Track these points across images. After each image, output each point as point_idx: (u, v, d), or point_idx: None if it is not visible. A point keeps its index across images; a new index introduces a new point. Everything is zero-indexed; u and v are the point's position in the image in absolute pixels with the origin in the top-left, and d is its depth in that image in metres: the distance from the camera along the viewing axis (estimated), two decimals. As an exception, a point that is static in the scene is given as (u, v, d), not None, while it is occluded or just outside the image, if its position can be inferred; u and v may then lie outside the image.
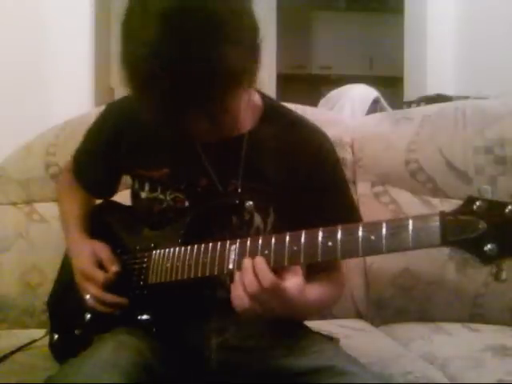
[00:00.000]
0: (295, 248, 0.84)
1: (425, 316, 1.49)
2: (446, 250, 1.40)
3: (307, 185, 1.03)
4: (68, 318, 1.13)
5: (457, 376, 1.15)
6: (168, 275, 0.98)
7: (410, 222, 0.74)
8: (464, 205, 0.72)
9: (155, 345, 0.95)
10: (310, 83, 5.41)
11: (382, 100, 2.74)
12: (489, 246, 0.69)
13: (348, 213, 1.06)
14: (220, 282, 1.02)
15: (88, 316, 1.08)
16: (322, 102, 2.94)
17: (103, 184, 1.19)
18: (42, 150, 1.57)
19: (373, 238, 0.77)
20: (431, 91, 2.71)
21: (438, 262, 1.48)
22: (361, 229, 0.78)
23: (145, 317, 1.00)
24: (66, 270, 1.14)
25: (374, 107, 2.67)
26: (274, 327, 0.96)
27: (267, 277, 0.83)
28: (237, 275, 0.86)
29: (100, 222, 1.17)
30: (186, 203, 1.05)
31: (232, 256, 0.89)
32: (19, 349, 1.20)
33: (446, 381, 1.14)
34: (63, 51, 2.12)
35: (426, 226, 0.73)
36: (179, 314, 1.01)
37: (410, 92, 3.17)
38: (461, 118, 1.59)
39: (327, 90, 3.07)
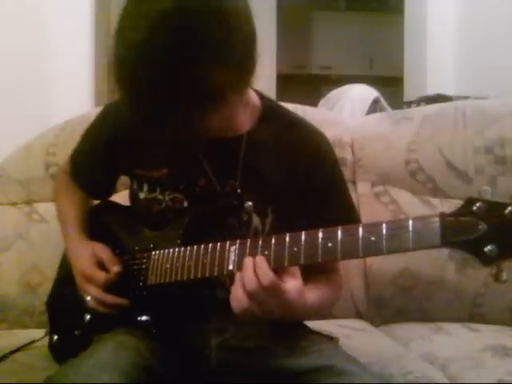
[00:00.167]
0: (295, 249, 0.84)
1: (425, 316, 1.49)
2: (445, 251, 1.40)
3: (305, 186, 1.03)
4: (67, 319, 1.13)
5: (457, 376, 1.15)
6: (167, 276, 0.98)
7: (410, 222, 0.74)
8: (464, 206, 0.72)
9: (155, 345, 0.95)
10: (309, 83, 5.41)
11: (382, 100, 2.74)
12: (489, 247, 0.69)
13: (346, 214, 1.06)
14: (220, 282, 1.02)
15: (88, 317, 1.08)
16: (322, 102, 2.94)
17: (101, 184, 1.19)
18: (42, 150, 1.58)
19: (373, 238, 0.77)
20: (431, 91, 2.71)
21: (437, 262, 1.48)
22: (361, 229, 0.78)
23: (144, 318, 1.00)
24: (65, 270, 1.14)
25: (374, 107, 2.67)
26: (274, 327, 0.96)
27: (267, 276, 0.83)
28: (237, 275, 0.86)
29: (98, 223, 1.17)
30: (185, 203, 1.05)
31: (232, 257, 0.89)
32: (19, 349, 1.20)
33: (445, 381, 1.14)
34: (63, 51, 2.12)
35: (426, 227, 0.73)
36: (179, 314, 1.01)
37: (410, 92, 3.17)
38: (461, 118, 1.59)
39: (327, 90, 3.07)
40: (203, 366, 1.00)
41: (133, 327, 0.98)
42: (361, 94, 2.78)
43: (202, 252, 0.93)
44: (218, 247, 0.92)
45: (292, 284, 0.85)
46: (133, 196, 1.12)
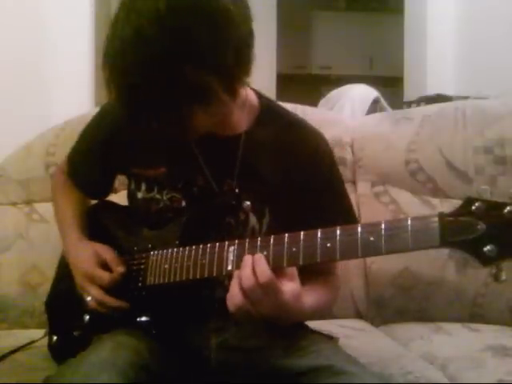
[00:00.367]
0: (294, 249, 0.84)
1: (425, 316, 1.49)
2: (445, 250, 1.40)
3: (303, 186, 1.03)
4: (67, 320, 1.12)
5: (457, 376, 1.15)
6: (166, 277, 0.97)
7: (409, 223, 0.74)
8: (463, 206, 0.72)
9: (154, 345, 0.95)
10: (309, 83, 5.40)
11: (382, 100, 2.74)
12: (488, 247, 0.69)
13: (344, 215, 1.06)
14: (219, 282, 1.02)
15: (87, 317, 1.08)
16: (322, 102, 2.94)
17: (98, 184, 1.19)
18: (42, 149, 1.58)
19: (372, 238, 0.77)
20: (431, 91, 2.71)
21: (437, 262, 1.48)
22: (360, 230, 0.78)
23: (144, 318, 0.99)
24: (64, 271, 1.14)
25: (374, 107, 2.67)
26: (273, 327, 0.96)
27: (265, 273, 0.83)
28: (235, 272, 0.86)
29: (96, 223, 1.17)
30: (183, 203, 1.05)
31: (230, 257, 0.89)
32: (19, 349, 1.20)
33: (445, 381, 1.14)
34: (63, 51, 2.12)
35: (425, 228, 0.73)
36: (178, 314, 1.01)
37: (410, 92, 3.17)
38: (461, 118, 1.59)
39: (327, 90, 3.07)
40: (203, 366, 1.00)
41: (132, 327, 0.98)
42: (361, 93, 2.77)
43: (200, 252, 0.93)
44: (217, 247, 0.92)
45: (289, 286, 0.85)
46: (131, 196, 1.12)
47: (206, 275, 0.92)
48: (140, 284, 1.02)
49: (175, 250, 0.98)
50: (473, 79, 2.74)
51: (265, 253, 0.85)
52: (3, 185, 1.58)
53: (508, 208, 0.68)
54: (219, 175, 1.03)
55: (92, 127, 1.16)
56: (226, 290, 0.88)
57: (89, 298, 1.03)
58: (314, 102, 2.72)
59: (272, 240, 0.86)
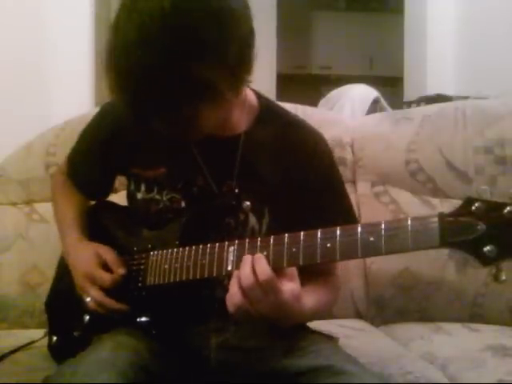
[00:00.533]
0: (294, 249, 0.84)
1: (425, 316, 1.49)
2: (445, 251, 1.39)
3: (302, 185, 1.03)
4: (67, 320, 1.12)
5: (457, 376, 1.15)
6: (166, 277, 0.97)
7: (409, 223, 0.74)
8: (462, 206, 0.72)
9: (154, 345, 0.95)
10: (309, 83, 5.41)
11: (382, 100, 2.74)
12: (488, 248, 0.69)
13: (344, 215, 1.06)
14: (219, 282, 1.02)
15: (87, 317, 1.08)
16: (322, 102, 2.94)
17: (98, 184, 1.19)
18: (42, 149, 1.58)
19: (372, 239, 0.77)
20: (431, 91, 2.71)
21: (437, 262, 1.48)
22: (360, 230, 0.78)
23: (144, 318, 0.99)
24: (63, 271, 1.14)
25: (374, 107, 2.67)
26: (273, 327, 0.96)
27: (265, 271, 0.83)
28: (235, 272, 0.86)
29: (96, 223, 1.16)
30: (183, 203, 1.05)
31: (230, 257, 0.89)
32: (19, 349, 1.20)
33: (445, 381, 1.14)
34: (63, 51, 2.12)
35: (425, 228, 0.73)
36: (178, 314, 1.01)
37: (409, 92, 3.17)
38: (461, 118, 1.59)
39: (327, 90, 3.07)
40: (203, 366, 1.00)
41: (132, 328, 0.98)
42: (361, 93, 2.78)
43: (200, 253, 0.93)
44: (217, 248, 0.91)
45: (289, 286, 0.85)
46: (130, 196, 1.12)
47: (205, 275, 0.92)
48: (140, 284, 1.02)
49: (175, 250, 0.98)
50: (473, 79, 2.74)
51: (265, 253, 0.85)
52: (3, 185, 1.58)
53: (508, 208, 0.68)
54: (219, 176, 1.03)
55: (92, 127, 1.16)
56: (226, 290, 0.87)
57: (88, 299, 1.03)
58: (314, 102, 2.72)
59: (272, 240, 0.86)
